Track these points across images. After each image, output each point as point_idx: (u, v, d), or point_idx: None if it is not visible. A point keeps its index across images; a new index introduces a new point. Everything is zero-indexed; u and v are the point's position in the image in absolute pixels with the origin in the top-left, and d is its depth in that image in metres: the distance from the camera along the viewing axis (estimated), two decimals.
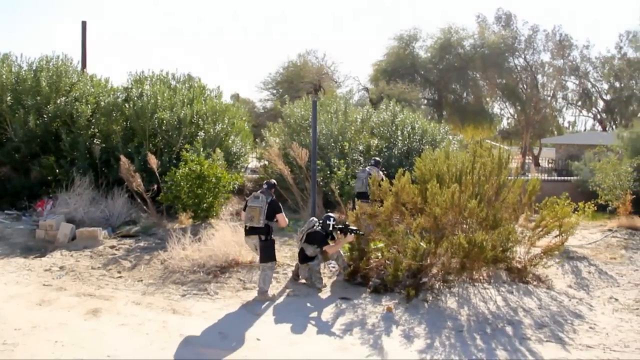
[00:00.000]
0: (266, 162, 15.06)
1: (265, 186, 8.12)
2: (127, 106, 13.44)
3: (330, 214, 8.62)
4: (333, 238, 8.55)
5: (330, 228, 8.30)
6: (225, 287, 8.20)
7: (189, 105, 14.03)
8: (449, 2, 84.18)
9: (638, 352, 6.39)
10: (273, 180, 8.64)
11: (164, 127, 13.44)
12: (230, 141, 15.13)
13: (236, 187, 13.61)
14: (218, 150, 13.05)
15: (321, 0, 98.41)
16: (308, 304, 7.65)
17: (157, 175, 12.10)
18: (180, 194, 11.66)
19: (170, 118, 13.43)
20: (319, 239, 8.33)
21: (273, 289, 8.12)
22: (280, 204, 8.20)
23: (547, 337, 6.74)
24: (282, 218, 8.00)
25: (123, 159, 11.83)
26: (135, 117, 13.23)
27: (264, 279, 7.75)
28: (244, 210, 7.98)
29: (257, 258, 8.08)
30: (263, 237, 7.71)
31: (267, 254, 7.69)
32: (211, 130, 14.27)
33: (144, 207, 12.35)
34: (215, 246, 9.15)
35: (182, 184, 11.62)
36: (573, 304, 8.15)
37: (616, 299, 8.55)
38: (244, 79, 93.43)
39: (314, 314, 7.28)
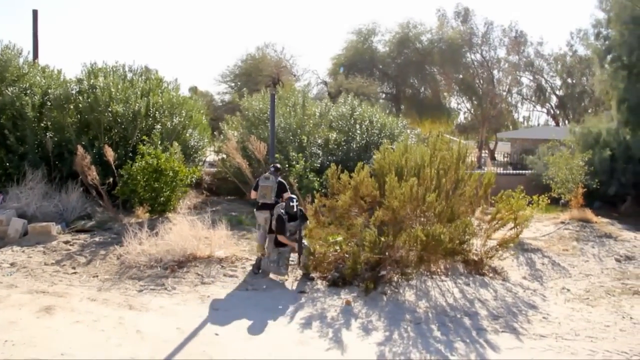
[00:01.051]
0: (224, 156, 14.91)
1: (272, 169, 9.18)
2: (80, 98, 13.12)
3: (293, 196, 8.62)
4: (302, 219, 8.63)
5: (295, 210, 8.31)
6: (183, 282, 8.10)
7: (145, 98, 13.77)
8: None
9: (588, 340, 6.59)
10: (278, 164, 9.89)
11: (119, 120, 13.17)
12: (187, 134, 14.94)
13: (194, 181, 13.46)
14: (175, 143, 12.88)
15: None
16: (267, 298, 7.63)
17: (114, 168, 11.87)
18: (136, 188, 11.47)
19: (126, 111, 13.16)
20: (280, 223, 8.38)
21: (231, 284, 8.08)
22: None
23: (502, 328, 6.89)
24: (287, 195, 8.77)
25: (80, 150, 11.56)
26: (89, 110, 12.92)
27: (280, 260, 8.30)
28: (255, 189, 8.96)
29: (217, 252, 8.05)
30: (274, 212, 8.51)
31: (279, 224, 8.34)
32: (168, 123, 14.06)
33: (100, 201, 12.10)
34: (173, 240, 9.02)
35: (138, 177, 11.43)
36: (527, 295, 8.35)
37: (568, 290, 8.79)
38: (202, 72, 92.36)
39: (273, 308, 7.24)
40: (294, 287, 8.11)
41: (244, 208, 13.71)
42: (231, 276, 8.42)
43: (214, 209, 12.99)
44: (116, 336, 6.07)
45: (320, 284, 8.23)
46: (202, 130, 15.90)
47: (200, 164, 15.93)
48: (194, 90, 34.43)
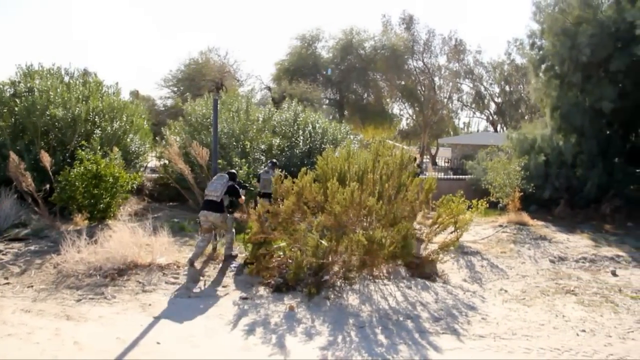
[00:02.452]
0: (166, 161, 14.69)
1: (270, 164, 11.94)
2: (16, 102, 12.68)
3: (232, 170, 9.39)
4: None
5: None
6: (123, 290, 7.92)
7: (84, 102, 13.43)
8: (353, 3, 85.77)
9: (524, 339, 6.83)
10: (275, 160, 12.38)
11: (57, 125, 12.79)
12: (128, 139, 14.65)
13: (135, 187, 13.19)
14: (116, 148, 12.59)
15: None
16: (211, 305, 7.55)
17: (51, 174, 11.52)
18: (75, 195, 11.15)
19: (64, 115, 12.80)
20: (234, 190, 9.22)
21: (174, 291, 7.97)
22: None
23: (443, 329, 7.05)
24: None
25: (13, 156, 11.14)
26: (25, 114, 12.50)
27: None
28: (258, 181, 11.90)
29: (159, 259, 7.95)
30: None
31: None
32: (108, 128, 13.75)
33: (35, 208, 11.70)
34: (113, 248, 8.81)
35: (77, 183, 11.12)
36: (467, 297, 8.57)
37: (506, 291, 9.07)
38: (143, 76, 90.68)
39: (217, 315, 7.18)
40: (238, 294, 8.06)
41: (187, 214, 13.54)
42: (173, 283, 8.30)
43: (155, 215, 12.78)
44: (52, 348, 5.87)
45: (264, 290, 8.21)
46: (144, 136, 15.62)
47: (141, 169, 15.64)
48: (135, 94, 33.74)
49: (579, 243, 12.23)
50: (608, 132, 16.74)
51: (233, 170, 10.34)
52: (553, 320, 7.68)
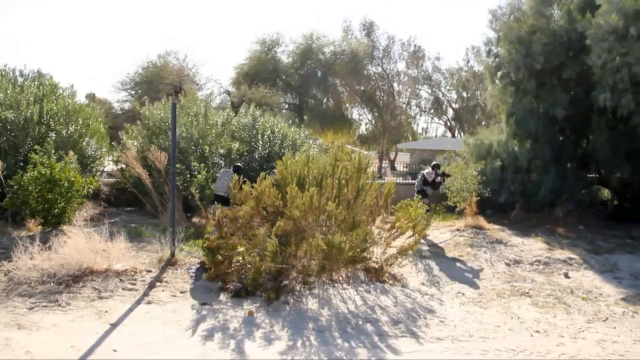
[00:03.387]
0: (123, 166, 14.44)
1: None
2: None
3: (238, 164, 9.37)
4: None
5: None
6: (78, 297, 7.75)
7: (38, 104, 13.11)
8: (314, 8, 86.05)
9: (481, 340, 6.97)
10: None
11: (8, 127, 12.46)
12: (84, 143, 14.36)
13: (91, 192, 12.93)
14: (71, 152, 12.32)
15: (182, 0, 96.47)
16: (168, 311, 7.45)
17: (2, 178, 11.21)
18: (28, 199, 10.87)
19: (16, 117, 12.48)
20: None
21: (131, 298, 7.84)
22: None
23: (402, 333, 7.12)
24: None
25: None
26: None
27: None
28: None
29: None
30: None
31: None
32: (63, 131, 13.45)
33: None
34: (68, 254, 8.60)
35: (30, 188, 10.85)
36: (425, 300, 8.68)
37: (463, 294, 9.22)
38: (100, 78, 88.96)
39: (175, 321, 7.09)
40: (197, 299, 7.98)
41: (144, 219, 13.34)
42: (130, 289, 8.16)
43: (112, 220, 12.56)
44: (1, 359, 5.71)
45: (223, 296, 8.15)
46: (100, 139, 15.34)
47: (97, 174, 15.35)
48: (91, 97, 33.04)
49: (534, 246, 12.50)
50: (561, 138, 17.17)
51: (239, 164, 11.67)
52: (508, 321, 7.85)
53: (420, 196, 13.40)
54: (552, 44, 15.51)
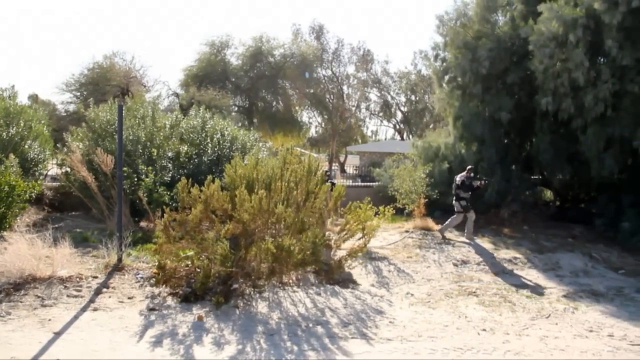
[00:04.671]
0: (68, 169, 14.06)
1: None
2: None
3: None
4: None
5: None
6: (20, 306, 7.48)
7: None
8: (264, 11, 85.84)
9: (429, 340, 7.09)
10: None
11: None
12: (26, 146, 13.93)
13: (34, 196, 12.55)
14: (12, 156, 11.94)
15: (129, 1, 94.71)
16: (115, 318, 7.28)
17: None
18: None
19: None
20: None
21: (76, 305, 7.63)
22: None
23: (352, 334, 7.17)
24: None
25: None
26: None
27: None
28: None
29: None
30: None
31: None
32: (4, 134, 13.02)
33: None
34: (8, 261, 8.30)
35: None
36: (375, 302, 8.76)
37: (412, 294, 9.36)
38: (43, 79, 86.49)
39: (122, 328, 6.94)
40: (144, 305, 7.84)
41: (90, 224, 13.02)
42: (76, 296, 7.94)
43: (56, 225, 12.22)
44: None
45: (172, 300, 8.03)
46: (44, 142, 14.91)
47: (41, 178, 14.91)
48: (34, 98, 32.05)
49: (480, 247, 12.79)
50: (506, 141, 17.61)
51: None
52: (456, 321, 8.00)
53: (456, 200, 13.97)
54: (497, 49, 15.90)
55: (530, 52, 14.53)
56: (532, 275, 11.10)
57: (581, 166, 15.55)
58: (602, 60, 14.10)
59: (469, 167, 14.18)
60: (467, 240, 13.23)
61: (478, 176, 14.62)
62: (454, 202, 14.07)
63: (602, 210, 15.77)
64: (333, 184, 11.57)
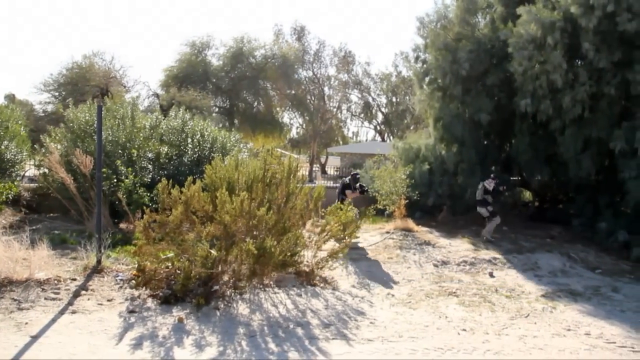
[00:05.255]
0: (46, 170, 13.89)
1: None
2: None
3: None
4: None
5: None
6: None
7: None
8: (246, 11, 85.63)
9: (410, 340, 7.11)
10: None
11: None
12: (3, 147, 13.74)
13: (10, 198, 12.39)
14: None
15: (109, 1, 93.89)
16: (94, 321, 7.20)
17: None
18: None
19: None
20: None
21: (54, 308, 7.53)
22: None
23: (333, 335, 7.17)
24: None
25: None
26: None
27: None
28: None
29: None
30: None
31: None
32: None
33: None
34: None
35: None
36: (356, 302, 8.77)
37: (393, 295, 9.37)
38: (21, 79, 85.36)
39: (101, 330, 6.87)
40: (124, 307, 7.77)
41: (69, 226, 12.88)
42: (54, 299, 7.85)
43: (34, 227, 12.05)
44: None
45: (152, 302, 7.97)
46: (21, 143, 14.72)
47: (18, 179, 14.72)
48: (10, 98, 31.62)
49: (460, 247, 12.87)
50: (486, 142, 17.77)
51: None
52: (437, 321, 8.04)
53: (483, 206, 14.37)
54: (477, 51, 16.03)
55: (510, 54, 14.67)
56: (511, 275, 11.19)
57: (559, 167, 15.75)
58: (579, 62, 14.32)
59: (493, 174, 14.73)
60: (444, 241, 13.29)
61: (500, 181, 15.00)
62: (480, 208, 14.49)
63: (579, 210, 15.99)
64: (362, 188, 13.40)
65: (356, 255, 11.66)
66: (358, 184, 13.79)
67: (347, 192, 13.41)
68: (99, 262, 9.28)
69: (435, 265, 11.54)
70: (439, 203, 16.34)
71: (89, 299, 7.97)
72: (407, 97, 46.68)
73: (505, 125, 17.19)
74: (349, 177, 14.04)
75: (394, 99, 49.94)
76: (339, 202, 11.81)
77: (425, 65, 18.52)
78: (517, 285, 10.46)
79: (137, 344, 6.49)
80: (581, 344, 7.42)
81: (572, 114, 14.06)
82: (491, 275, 11.11)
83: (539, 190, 19.02)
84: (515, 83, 15.03)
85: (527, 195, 20.30)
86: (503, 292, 9.90)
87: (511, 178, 18.02)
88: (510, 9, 15.81)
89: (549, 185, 18.12)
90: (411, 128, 44.47)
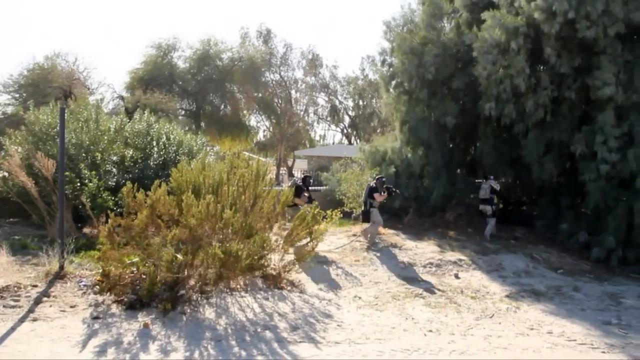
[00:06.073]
0: (6, 174, 13.56)
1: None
2: None
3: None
4: None
5: None
6: None
7: None
8: (212, 14, 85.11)
9: (377, 342, 7.17)
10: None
11: None
12: None
13: None
14: None
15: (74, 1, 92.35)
16: (56, 328, 7.05)
17: None
18: None
19: None
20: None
21: (14, 316, 7.35)
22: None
23: (301, 338, 7.17)
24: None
25: None
26: None
27: None
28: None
29: None
30: None
31: None
32: None
33: None
34: None
35: None
36: (323, 305, 8.78)
37: (360, 297, 9.41)
38: None
39: (64, 338, 6.72)
40: (87, 314, 7.63)
41: (30, 231, 12.59)
42: (13, 307, 7.65)
43: None
44: None
45: (117, 308, 7.85)
46: None
47: None
48: None
49: (426, 249, 12.99)
50: (451, 145, 17.98)
51: (308, 174, 14.23)
52: (403, 323, 8.11)
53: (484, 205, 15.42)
54: (442, 55, 16.22)
55: (475, 58, 14.88)
56: (476, 276, 11.34)
57: (523, 170, 16.03)
58: (541, 67, 14.61)
59: (492, 176, 15.58)
60: (416, 243, 13.40)
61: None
62: (485, 206, 15.49)
63: (542, 212, 16.30)
64: (390, 190, 13.76)
65: (323, 258, 11.68)
66: (385, 187, 13.78)
67: (375, 195, 13.43)
68: (61, 267, 9.09)
69: (402, 267, 11.63)
70: (405, 206, 16.45)
71: (50, 306, 7.80)
72: (374, 101, 46.97)
73: (470, 129, 17.43)
74: (374, 181, 13.96)
75: (360, 102, 50.19)
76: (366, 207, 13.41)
77: (391, 69, 18.65)
78: (482, 286, 10.61)
79: (101, 351, 6.38)
80: (544, 343, 7.57)
81: (535, 117, 14.34)
82: (457, 276, 11.25)
83: (503, 193, 19.30)
84: (479, 87, 15.25)
85: None
86: (468, 293, 10.03)
87: (476, 180, 18.25)
88: (475, 14, 16.04)
89: (512, 187, 18.44)
90: (378, 131, 44.71)
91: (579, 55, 13.79)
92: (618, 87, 13.04)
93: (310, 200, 13.16)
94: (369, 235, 13.34)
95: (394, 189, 14.23)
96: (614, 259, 13.32)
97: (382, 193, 13.49)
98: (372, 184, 13.63)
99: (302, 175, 14.34)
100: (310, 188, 14.00)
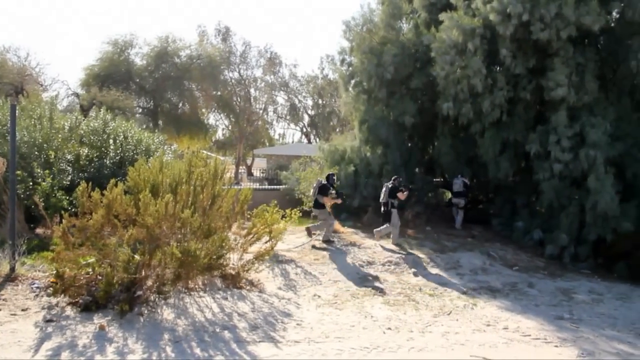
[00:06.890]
0: None
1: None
2: None
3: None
4: None
5: None
6: None
7: None
8: (170, 11, 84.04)
9: (337, 341, 7.19)
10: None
11: None
12: None
13: None
14: None
15: None
16: (6, 333, 6.82)
17: None
18: None
19: None
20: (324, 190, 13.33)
21: None
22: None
23: (260, 338, 7.14)
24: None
25: None
26: None
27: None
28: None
29: None
30: None
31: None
32: None
33: None
34: None
35: None
36: (283, 304, 8.76)
37: (319, 296, 9.43)
38: None
39: (14, 343, 6.51)
40: (40, 317, 7.43)
41: None
42: None
43: None
44: None
45: (71, 310, 7.67)
46: None
47: None
48: None
49: (385, 247, 13.08)
50: (410, 145, 18.15)
51: (332, 172, 14.70)
52: (362, 321, 8.15)
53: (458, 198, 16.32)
54: (401, 55, 16.36)
55: (433, 58, 15.08)
56: (434, 274, 11.49)
57: (480, 169, 16.32)
58: (498, 68, 14.90)
59: (461, 173, 16.26)
60: (376, 241, 13.48)
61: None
62: (459, 199, 16.45)
63: (498, 211, 16.63)
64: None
65: (282, 257, 11.65)
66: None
67: (399, 194, 13.63)
68: (12, 269, 8.83)
69: (361, 266, 11.69)
70: (364, 204, 16.53)
71: (0, 310, 7.56)
72: (333, 100, 47.15)
73: (428, 128, 17.65)
74: (324, 179, 13.92)
75: (320, 101, 50.37)
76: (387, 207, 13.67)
77: (351, 68, 18.74)
78: (440, 284, 10.75)
79: (55, 355, 6.22)
80: (500, 338, 7.73)
81: (491, 117, 14.62)
82: (415, 274, 11.36)
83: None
84: (438, 87, 15.45)
85: (449, 196, 20.86)
86: (427, 291, 10.15)
87: (434, 179, 18.49)
88: (433, 15, 16.24)
89: (470, 186, 18.73)
90: (337, 130, 44.91)
91: (534, 56, 14.12)
92: (570, 89, 13.41)
93: (340, 195, 13.53)
94: (391, 236, 13.70)
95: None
96: (566, 256, 13.71)
97: (403, 192, 13.78)
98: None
99: (326, 175, 14.37)
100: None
